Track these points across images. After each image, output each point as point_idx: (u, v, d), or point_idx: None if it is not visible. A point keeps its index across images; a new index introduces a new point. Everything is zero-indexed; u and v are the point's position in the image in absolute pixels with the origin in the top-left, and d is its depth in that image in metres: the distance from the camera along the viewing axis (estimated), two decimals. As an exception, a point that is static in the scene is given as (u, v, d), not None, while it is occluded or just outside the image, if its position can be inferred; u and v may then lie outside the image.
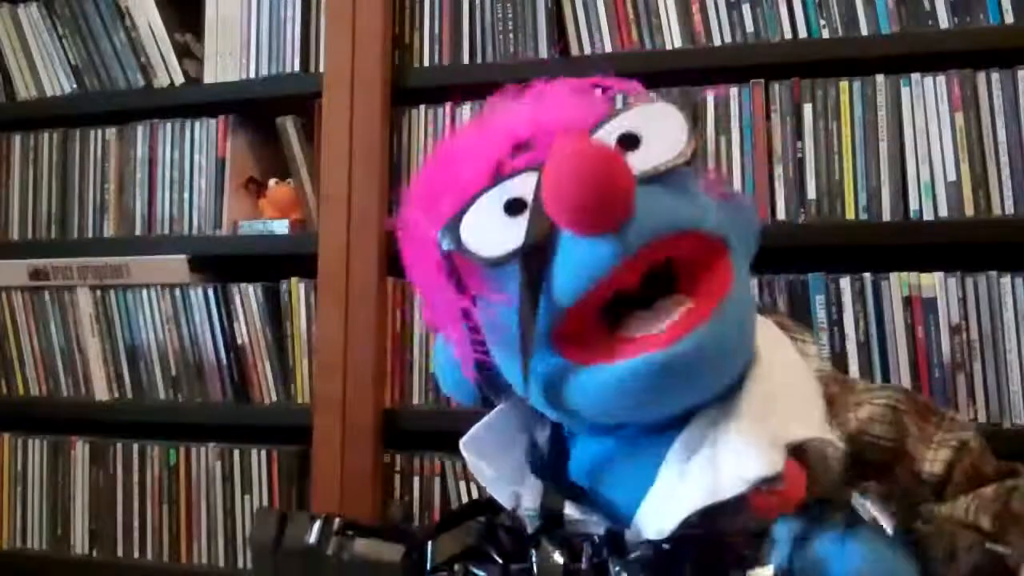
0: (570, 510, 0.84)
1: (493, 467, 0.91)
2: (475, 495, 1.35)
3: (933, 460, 0.86)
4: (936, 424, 0.88)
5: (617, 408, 0.83)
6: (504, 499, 0.90)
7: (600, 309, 0.81)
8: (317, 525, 0.86)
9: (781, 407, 0.81)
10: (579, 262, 0.79)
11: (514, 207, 0.81)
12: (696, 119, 0.90)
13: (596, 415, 0.84)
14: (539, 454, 0.90)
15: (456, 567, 0.80)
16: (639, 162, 0.80)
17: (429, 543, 0.83)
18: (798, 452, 0.78)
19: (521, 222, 0.80)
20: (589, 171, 0.75)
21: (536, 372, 0.82)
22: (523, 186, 0.81)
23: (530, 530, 0.82)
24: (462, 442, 0.93)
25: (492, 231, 0.82)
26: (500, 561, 0.79)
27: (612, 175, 0.76)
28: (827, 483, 0.81)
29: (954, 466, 0.85)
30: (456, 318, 0.86)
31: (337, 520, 0.87)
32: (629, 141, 0.83)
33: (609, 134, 0.83)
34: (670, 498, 0.79)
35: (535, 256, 0.79)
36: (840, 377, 0.93)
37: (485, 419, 0.93)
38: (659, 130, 0.84)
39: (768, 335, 0.89)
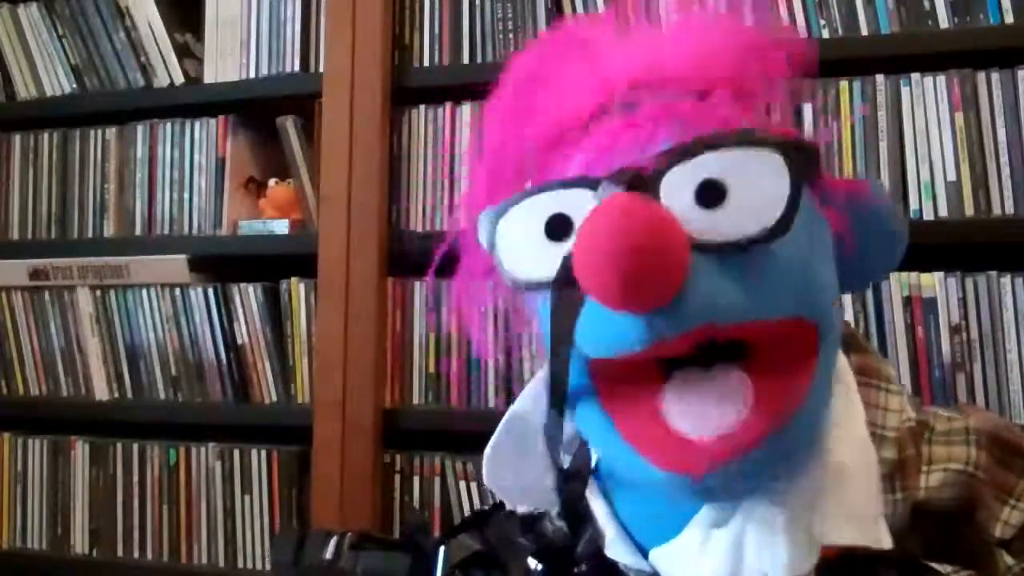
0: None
1: (514, 479, 0.82)
2: (475, 495, 1.35)
3: (1005, 523, 0.75)
4: (1020, 471, 0.77)
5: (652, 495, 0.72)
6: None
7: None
8: (333, 541, 0.86)
9: (830, 501, 0.69)
10: (601, 333, 0.67)
11: (556, 227, 0.69)
12: (807, 166, 0.68)
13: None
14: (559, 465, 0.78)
15: (457, 573, 0.79)
16: (712, 226, 0.65)
17: (440, 550, 0.81)
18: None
19: (560, 249, 0.68)
20: (624, 247, 0.62)
21: (573, 415, 0.73)
22: (572, 204, 0.69)
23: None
24: (484, 458, 0.83)
25: (526, 248, 0.71)
26: (501, 562, 0.78)
27: (652, 254, 0.62)
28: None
29: None
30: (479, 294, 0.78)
31: (350, 535, 0.87)
32: (712, 192, 0.66)
33: (687, 178, 0.66)
34: (689, 563, 0.70)
35: (565, 307, 0.68)
36: (919, 424, 0.77)
37: (502, 425, 0.84)
38: (751, 186, 0.66)
39: (838, 402, 0.73)
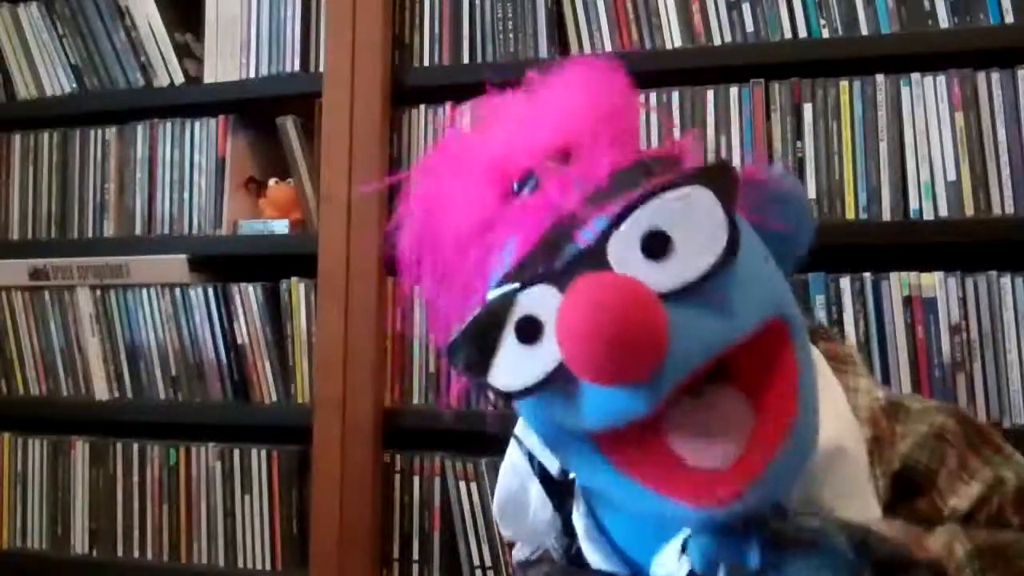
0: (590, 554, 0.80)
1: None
2: (475, 495, 1.35)
3: (961, 496, 0.78)
4: (986, 460, 0.80)
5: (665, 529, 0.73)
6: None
7: None
8: None
9: (830, 482, 0.73)
10: (605, 409, 0.68)
11: (527, 331, 0.70)
12: (732, 187, 0.70)
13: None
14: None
15: None
16: (668, 276, 0.67)
17: None
18: None
19: (536, 351, 0.69)
20: (609, 326, 0.63)
21: (577, 473, 0.77)
22: (537, 303, 0.69)
23: None
24: (495, 513, 0.89)
25: (504, 358, 0.71)
26: None
27: (636, 326, 0.64)
28: None
29: (981, 505, 0.77)
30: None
31: None
32: (655, 244, 0.68)
33: (631, 235, 0.68)
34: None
35: (556, 392, 0.70)
36: (892, 405, 0.81)
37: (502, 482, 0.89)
38: (692, 225, 0.68)
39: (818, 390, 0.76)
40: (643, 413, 0.67)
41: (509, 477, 0.87)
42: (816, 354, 0.78)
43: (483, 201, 0.74)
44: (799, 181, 0.94)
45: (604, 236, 0.68)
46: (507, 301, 0.70)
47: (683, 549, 0.69)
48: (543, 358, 0.68)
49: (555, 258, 0.69)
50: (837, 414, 0.76)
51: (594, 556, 0.77)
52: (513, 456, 0.87)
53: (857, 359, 0.84)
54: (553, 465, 0.82)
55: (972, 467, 0.79)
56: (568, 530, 0.81)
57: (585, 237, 0.69)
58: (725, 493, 0.64)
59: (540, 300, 0.69)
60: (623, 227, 0.68)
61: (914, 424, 0.79)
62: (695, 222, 0.68)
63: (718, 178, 0.69)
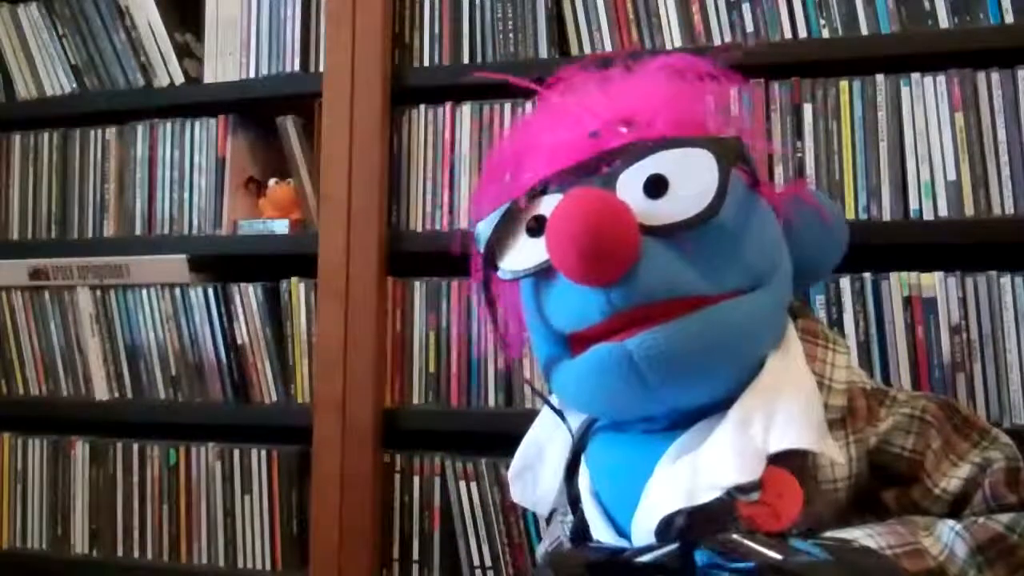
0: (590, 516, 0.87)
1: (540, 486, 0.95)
2: (475, 495, 1.35)
3: (951, 477, 0.80)
4: (974, 442, 0.82)
5: (579, 401, 0.87)
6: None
7: None
8: None
9: (769, 417, 0.78)
10: (570, 305, 0.82)
11: (535, 226, 0.85)
12: (734, 158, 0.82)
13: (573, 406, 0.90)
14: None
15: None
16: (657, 213, 0.79)
17: None
18: (800, 469, 0.77)
19: (538, 243, 0.83)
20: (585, 229, 0.75)
21: (541, 355, 0.89)
22: (548, 207, 0.83)
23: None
24: (509, 479, 0.98)
25: (512, 245, 0.87)
26: None
27: (608, 236, 0.76)
28: (830, 501, 0.79)
29: (973, 486, 0.79)
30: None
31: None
32: (657, 185, 0.80)
33: (637, 176, 0.81)
34: (658, 498, 0.79)
35: (543, 285, 0.85)
36: (876, 390, 0.86)
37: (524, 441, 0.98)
38: (690, 179, 0.80)
39: (779, 345, 0.85)
40: (595, 319, 0.79)
41: (527, 447, 0.97)
42: (791, 329, 0.87)
43: (566, 140, 0.87)
44: (844, 216, 1.01)
45: (617, 171, 0.81)
46: (528, 204, 0.86)
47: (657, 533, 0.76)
48: (542, 250, 0.81)
49: (578, 179, 0.83)
50: (790, 369, 0.83)
51: (594, 521, 0.86)
52: (539, 423, 0.97)
53: (841, 340, 0.89)
54: (575, 423, 0.92)
55: (960, 449, 0.82)
56: (575, 509, 0.90)
57: (606, 169, 0.83)
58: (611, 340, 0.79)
59: (550, 204, 0.82)
60: (634, 166, 0.81)
61: (898, 408, 0.84)
62: (692, 178, 0.79)
63: (724, 148, 0.81)
